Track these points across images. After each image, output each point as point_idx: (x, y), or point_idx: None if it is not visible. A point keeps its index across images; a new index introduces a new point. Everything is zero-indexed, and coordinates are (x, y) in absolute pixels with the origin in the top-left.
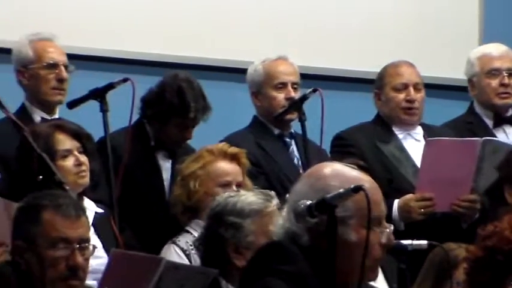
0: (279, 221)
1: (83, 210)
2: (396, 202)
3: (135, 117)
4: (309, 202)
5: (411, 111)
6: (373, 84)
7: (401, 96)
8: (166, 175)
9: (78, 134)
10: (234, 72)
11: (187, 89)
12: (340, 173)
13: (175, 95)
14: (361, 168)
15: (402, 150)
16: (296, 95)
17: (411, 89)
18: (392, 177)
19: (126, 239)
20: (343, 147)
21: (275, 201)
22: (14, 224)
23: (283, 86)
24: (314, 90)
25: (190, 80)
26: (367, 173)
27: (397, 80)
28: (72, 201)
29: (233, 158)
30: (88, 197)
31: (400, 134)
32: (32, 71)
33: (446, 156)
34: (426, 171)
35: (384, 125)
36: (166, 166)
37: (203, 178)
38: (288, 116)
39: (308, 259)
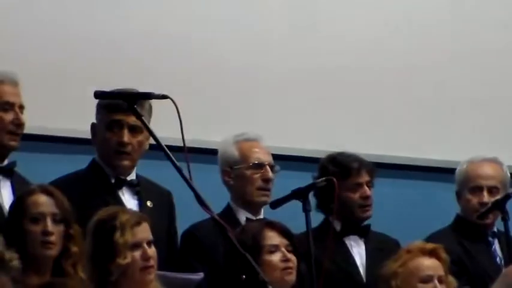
0: None
1: None
2: None
3: None
4: None
5: None
6: None
7: None
8: (360, 260)
9: (287, 233)
10: (435, 172)
11: None
12: None
13: None
14: None
15: None
16: (494, 198)
17: None
18: None
19: None
20: None
21: None
22: None
23: (478, 189)
24: None
25: None
26: None
27: None
28: None
29: (432, 253)
30: None
31: None
32: (238, 171)
33: None
34: None
35: None
36: (359, 253)
37: (404, 276)
38: (486, 220)
39: None
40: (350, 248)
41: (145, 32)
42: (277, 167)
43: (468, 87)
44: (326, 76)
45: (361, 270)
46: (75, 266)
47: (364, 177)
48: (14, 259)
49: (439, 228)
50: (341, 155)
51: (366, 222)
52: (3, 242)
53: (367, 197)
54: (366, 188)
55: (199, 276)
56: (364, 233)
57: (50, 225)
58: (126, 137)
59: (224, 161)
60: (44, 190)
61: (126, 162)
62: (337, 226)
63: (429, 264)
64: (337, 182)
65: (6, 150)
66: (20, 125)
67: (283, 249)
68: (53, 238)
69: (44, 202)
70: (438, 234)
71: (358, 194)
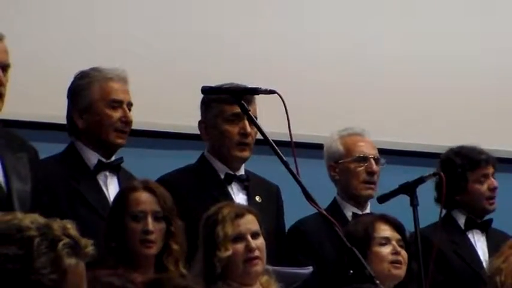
0: None
1: None
2: None
3: None
4: None
5: None
6: None
7: None
8: (483, 256)
9: (400, 228)
10: None
11: None
12: None
13: None
14: None
15: None
16: None
17: None
18: None
19: None
20: None
21: None
22: None
23: None
24: None
25: None
26: None
27: None
28: None
29: None
30: None
31: None
32: (342, 165)
33: None
34: None
35: None
36: (482, 248)
37: (508, 271)
38: None
39: None
40: (474, 243)
41: (254, 31)
42: (382, 160)
43: None
44: (436, 70)
45: (485, 265)
46: (177, 262)
47: (490, 169)
48: (88, 245)
49: None
50: (464, 148)
51: (487, 217)
52: (77, 227)
53: (494, 189)
54: (493, 179)
55: (308, 270)
56: (486, 228)
57: (150, 223)
58: (249, 127)
59: (329, 156)
60: (146, 187)
61: (247, 154)
62: (461, 220)
63: None
64: (466, 173)
65: (113, 148)
66: (127, 122)
67: (394, 242)
68: (152, 237)
69: (145, 200)
70: None
71: (485, 185)
